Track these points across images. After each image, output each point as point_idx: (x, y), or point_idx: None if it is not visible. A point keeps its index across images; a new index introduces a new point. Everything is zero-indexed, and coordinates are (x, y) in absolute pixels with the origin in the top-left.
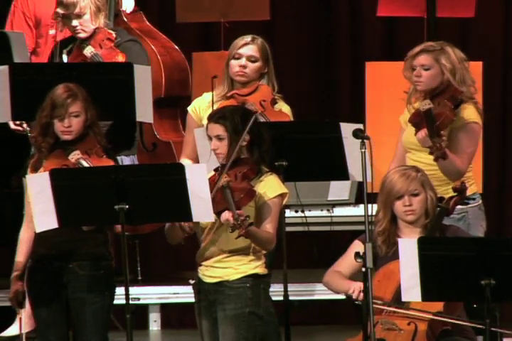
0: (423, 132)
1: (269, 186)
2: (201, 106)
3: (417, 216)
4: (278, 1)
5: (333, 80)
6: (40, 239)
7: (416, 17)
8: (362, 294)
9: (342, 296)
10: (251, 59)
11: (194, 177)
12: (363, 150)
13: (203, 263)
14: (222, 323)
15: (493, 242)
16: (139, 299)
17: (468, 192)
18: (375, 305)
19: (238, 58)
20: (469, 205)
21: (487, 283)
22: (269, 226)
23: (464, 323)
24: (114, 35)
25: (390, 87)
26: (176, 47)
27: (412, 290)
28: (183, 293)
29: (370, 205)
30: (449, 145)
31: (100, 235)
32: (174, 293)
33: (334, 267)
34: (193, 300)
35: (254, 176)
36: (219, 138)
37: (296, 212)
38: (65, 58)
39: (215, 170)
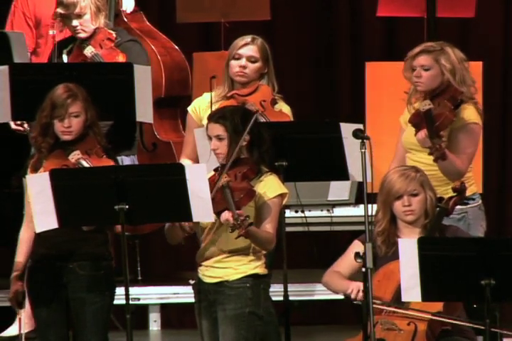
0: (423, 132)
1: (269, 186)
2: (201, 106)
3: (417, 216)
4: (278, 1)
5: (333, 80)
6: (40, 239)
7: (416, 17)
8: (361, 294)
9: (342, 296)
10: (251, 59)
11: (194, 178)
12: (363, 150)
13: (203, 263)
14: (222, 323)
15: (493, 242)
16: (139, 299)
17: (468, 193)
18: (374, 305)
19: (238, 58)
20: (469, 205)
21: (487, 283)
22: (269, 227)
23: (464, 323)
24: (114, 35)
25: (390, 87)
26: (176, 47)
27: (412, 291)
28: (183, 293)
29: (370, 205)
30: (449, 146)
31: (100, 235)
32: (174, 293)
33: (333, 267)
34: (193, 300)
35: (254, 176)
36: (219, 138)
37: (296, 212)
38: (65, 58)
39: (215, 170)
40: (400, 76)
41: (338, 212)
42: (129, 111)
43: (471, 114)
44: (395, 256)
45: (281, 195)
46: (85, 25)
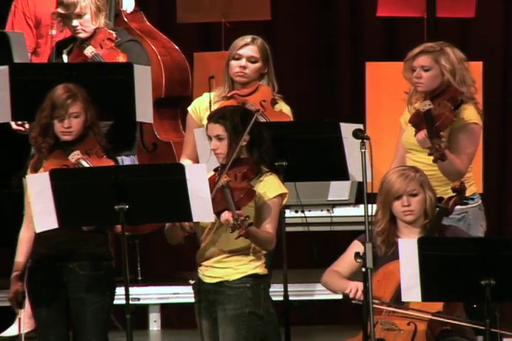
0: (423, 133)
1: (269, 186)
2: (201, 106)
3: (416, 216)
4: (278, 1)
5: (333, 80)
6: (41, 239)
7: (416, 17)
8: (359, 293)
9: (341, 296)
10: (251, 59)
11: (194, 177)
12: (363, 150)
13: (203, 263)
14: (223, 323)
15: (493, 242)
16: (139, 299)
17: (468, 193)
18: (374, 305)
19: (238, 59)
20: (469, 205)
21: (487, 283)
22: (269, 227)
23: (464, 323)
24: (114, 35)
25: (390, 87)
26: (176, 47)
27: (412, 291)
28: (183, 293)
29: (370, 205)
30: (449, 146)
31: (100, 235)
32: (174, 293)
33: (333, 267)
34: (193, 300)
35: (254, 176)
36: (219, 138)
37: (296, 212)
38: (65, 58)
39: (215, 170)
40: (400, 76)
41: (338, 212)
42: (129, 111)
43: (471, 114)
44: (395, 256)
45: (281, 195)
46: (85, 25)
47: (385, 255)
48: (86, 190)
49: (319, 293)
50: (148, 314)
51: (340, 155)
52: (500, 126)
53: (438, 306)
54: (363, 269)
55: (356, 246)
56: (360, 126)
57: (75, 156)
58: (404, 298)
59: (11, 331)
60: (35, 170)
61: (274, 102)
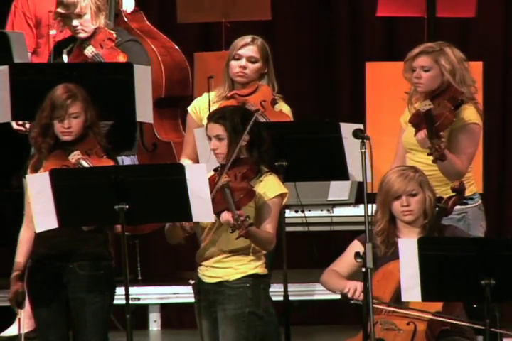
0: (422, 133)
1: (269, 186)
2: (201, 106)
3: (415, 216)
4: (278, 1)
5: (333, 80)
6: (41, 239)
7: (416, 17)
8: (357, 293)
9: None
10: (251, 60)
11: (194, 177)
12: (363, 150)
13: (203, 263)
14: (223, 323)
15: (493, 242)
16: (139, 299)
17: (468, 193)
18: (374, 305)
19: (238, 59)
20: (469, 205)
21: (487, 283)
22: (269, 227)
23: (464, 323)
24: (114, 35)
25: (390, 87)
26: (177, 47)
27: (412, 291)
28: (183, 293)
29: (370, 205)
30: (449, 146)
31: (100, 235)
32: (174, 293)
33: (332, 266)
34: (193, 300)
35: (254, 176)
36: (218, 138)
37: (296, 212)
38: (65, 58)
39: (215, 170)
40: (400, 76)
41: (338, 212)
42: (129, 111)
43: (471, 114)
44: (394, 256)
45: (281, 195)
46: (85, 25)
47: (384, 255)
48: (86, 190)
49: (319, 293)
50: (148, 314)
51: (340, 155)
52: (500, 126)
53: (437, 306)
54: (363, 269)
55: (356, 246)
56: (360, 126)
57: (75, 156)
58: (404, 298)
59: (11, 331)
60: (35, 170)
61: (274, 102)
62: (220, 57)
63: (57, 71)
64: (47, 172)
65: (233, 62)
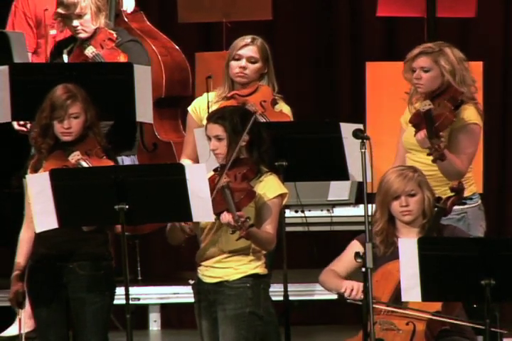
0: (422, 133)
1: (269, 186)
2: (201, 106)
3: (414, 216)
4: (278, 1)
5: (333, 80)
6: (41, 239)
7: (416, 17)
8: (354, 292)
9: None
10: (251, 60)
11: (194, 177)
12: (363, 150)
13: (203, 263)
14: (223, 323)
15: (493, 242)
16: (139, 299)
17: (468, 193)
18: (374, 305)
19: (238, 59)
20: (469, 205)
21: (487, 283)
22: (269, 227)
23: (464, 323)
24: (115, 36)
25: (390, 87)
26: (177, 47)
27: (412, 291)
28: (183, 293)
29: (370, 205)
30: (448, 146)
31: (100, 235)
32: (174, 293)
33: (330, 266)
34: (192, 300)
35: (254, 176)
36: (218, 138)
37: (296, 212)
38: (65, 58)
39: (215, 170)
40: (400, 76)
41: (338, 212)
42: (129, 111)
43: (471, 114)
44: (394, 256)
45: (281, 195)
46: (86, 25)
47: (383, 255)
48: (86, 190)
49: (319, 293)
50: (148, 314)
51: (340, 155)
52: (500, 126)
53: (436, 306)
54: (363, 269)
55: (355, 246)
56: (360, 126)
57: (74, 157)
58: (404, 298)
59: (11, 331)
60: (35, 171)
61: (274, 102)
62: (221, 57)
63: (57, 71)
64: (47, 173)
65: (233, 63)
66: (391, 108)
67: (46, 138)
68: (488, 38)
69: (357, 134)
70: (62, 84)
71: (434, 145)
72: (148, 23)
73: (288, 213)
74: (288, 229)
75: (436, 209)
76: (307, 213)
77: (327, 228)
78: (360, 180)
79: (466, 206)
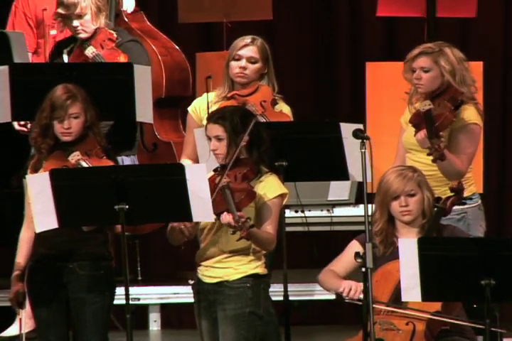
0: (422, 133)
1: (269, 187)
2: (201, 106)
3: (414, 216)
4: (278, 1)
5: (333, 80)
6: (41, 239)
7: (416, 17)
8: (352, 292)
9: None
10: (251, 60)
11: (194, 178)
12: (363, 150)
13: (203, 263)
14: (223, 323)
15: (493, 242)
16: (139, 299)
17: (468, 193)
18: (374, 305)
19: (238, 59)
20: (469, 205)
21: (487, 283)
22: (269, 227)
23: (464, 323)
24: (115, 36)
25: (390, 87)
26: (177, 47)
27: (412, 291)
28: (183, 293)
29: (370, 205)
30: (448, 146)
31: (100, 235)
32: (174, 293)
33: (329, 266)
34: (192, 300)
35: (254, 177)
36: (218, 138)
37: (296, 212)
38: (65, 58)
39: (215, 170)
40: (400, 76)
41: (338, 212)
42: (129, 111)
43: (471, 114)
44: (393, 256)
45: (282, 196)
46: (86, 25)
47: (383, 255)
48: (86, 190)
49: (319, 293)
50: (148, 314)
51: (340, 155)
52: (500, 126)
53: (436, 306)
54: (363, 269)
55: (354, 247)
56: (360, 126)
57: (74, 157)
58: (404, 298)
59: (11, 331)
60: (35, 171)
61: (274, 102)
62: (221, 58)
63: (57, 71)
64: (47, 173)
65: (233, 63)
66: (391, 108)
67: (46, 138)
68: (488, 38)
69: (357, 134)
70: (62, 84)
71: (434, 145)
72: (148, 23)
73: (288, 213)
74: (288, 229)
75: (435, 209)
76: (307, 213)
77: (327, 228)
78: (360, 180)
79: (466, 206)
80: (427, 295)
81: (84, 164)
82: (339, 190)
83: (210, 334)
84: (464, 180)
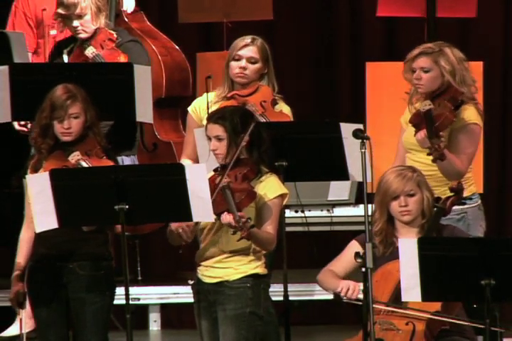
0: (422, 133)
1: (269, 187)
2: (201, 106)
3: (413, 216)
4: (278, 1)
5: (333, 80)
6: (41, 239)
7: (416, 17)
8: (350, 292)
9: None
10: (251, 60)
11: (194, 178)
12: (363, 150)
13: (203, 263)
14: (223, 323)
15: (493, 242)
16: (139, 299)
17: (467, 193)
18: (374, 305)
19: (238, 60)
20: (468, 205)
21: (487, 283)
22: (269, 227)
23: (464, 323)
24: (115, 36)
25: (390, 87)
26: (177, 47)
27: (412, 291)
28: (183, 293)
29: (370, 205)
30: (448, 146)
31: (100, 235)
32: (174, 293)
33: (328, 266)
34: (192, 300)
35: (254, 177)
36: (218, 138)
37: (296, 212)
38: (65, 58)
39: (215, 170)
40: (400, 76)
41: (338, 212)
42: (129, 111)
43: (471, 114)
44: (393, 256)
45: (282, 196)
46: (86, 25)
47: (383, 255)
48: (86, 190)
49: (319, 293)
50: (148, 314)
51: (340, 155)
52: (500, 126)
53: (436, 306)
54: (363, 269)
55: (353, 247)
56: (360, 126)
57: (74, 157)
58: (404, 298)
59: (12, 331)
60: (35, 171)
61: (274, 103)
62: (222, 58)
63: (57, 71)
64: (47, 173)
65: (233, 63)
66: (391, 108)
67: (46, 138)
68: (488, 38)
69: (357, 134)
70: (62, 84)
71: (434, 145)
72: (148, 23)
73: (288, 213)
74: (288, 229)
75: (435, 209)
76: (307, 213)
77: (327, 228)
78: (360, 180)
79: (465, 206)
80: (427, 295)
81: (84, 164)
82: (339, 190)
83: (210, 335)
84: (463, 180)
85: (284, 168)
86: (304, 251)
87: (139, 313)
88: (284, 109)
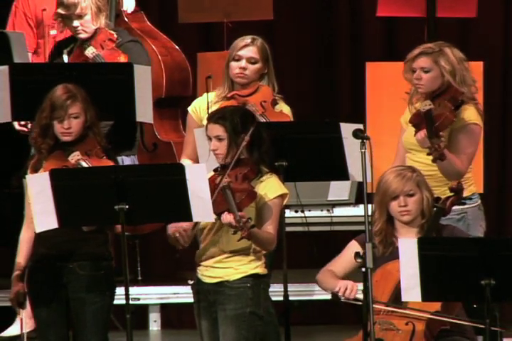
0: (422, 133)
1: (270, 187)
2: (201, 106)
3: (413, 216)
4: (278, 1)
5: (333, 80)
6: (41, 239)
7: (416, 17)
8: (348, 292)
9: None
10: (251, 60)
11: (194, 178)
12: (363, 150)
13: (203, 263)
14: (223, 323)
15: (493, 242)
16: (139, 299)
17: (467, 193)
18: (374, 305)
19: (238, 60)
20: (468, 205)
21: (487, 283)
22: (270, 227)
23: (464, 323)
24: (115, 36)
25: (390, 87)
26: (177, 47)
27: (412, 291)
28: (183, 293)
29: (370, 205)
30: (448, 146)
31: (100, 235)
32: (174, 293)
33: (328, 266)
34: (193, 300)
35: (255, 177)
36: (218, 138)
37: (296, 212)
38: (65, 58)
39: (215, 170)
40: (400, 76)
41: (338, 212)
42: (129, 111)
43: (471, 114)
44: (393, 256)
45: (282, 196)
46: (86, 25)
47: (382, 255)
48: (86, 190)
49: (319, 293)
50: (148, 314)
51: (340, 155)
52: (500, 126)
53: (436, 306)
54: (363, 269)
55: (353, 247)
56: (360, 126)
57: (74, 157)
58: (404, 298)
59: (12, 331)
60: (35, 171)
61: (274, 103)
62: (222, 58)
63: (57, 71)
64: (47, 173)
65: (233, 63)
66: (391, 108)
67: (46, 138)
68: (488, 38)
69: (357, 134)
70: (62, 84)
71: (434, 145)
72: (148, 23)
73: (288, 213)
74: (288, 229)
75: (435, 209)
76: (307, 213)
77: (327, 228)
78: (360, 180)
79: (465, 206)
80: (426, 295)
81: (84, 164)
82: (339, 190)
83: (210, 335)
84: (463, 180)
85: (284, 168)
86: (304, 251)
87: (139, 313)
88: (284, 109)
